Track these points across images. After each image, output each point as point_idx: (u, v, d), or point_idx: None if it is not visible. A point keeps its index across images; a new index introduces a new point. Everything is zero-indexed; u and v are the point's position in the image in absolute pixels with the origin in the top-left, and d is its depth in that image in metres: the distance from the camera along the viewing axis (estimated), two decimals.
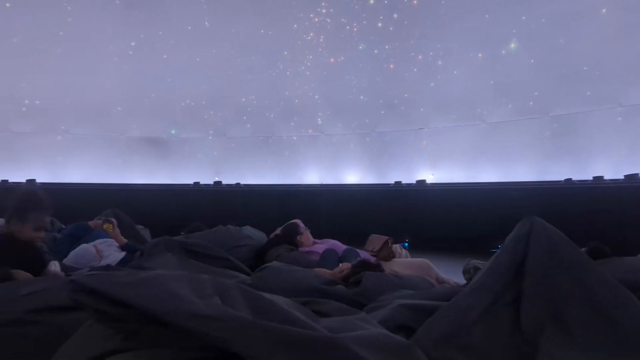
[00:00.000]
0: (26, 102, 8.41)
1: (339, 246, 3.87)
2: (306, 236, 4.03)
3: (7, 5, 8.11)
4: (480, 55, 7.63)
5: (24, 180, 7.74)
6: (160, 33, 8.64)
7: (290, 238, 4.00)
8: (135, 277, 1.32)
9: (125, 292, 1.27)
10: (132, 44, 8.68)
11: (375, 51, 8.31)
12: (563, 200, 5.97)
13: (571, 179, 6.36)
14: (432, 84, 7.95)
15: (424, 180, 7.43)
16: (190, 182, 8.33)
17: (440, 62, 7.91)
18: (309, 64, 8.65)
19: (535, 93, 7.29)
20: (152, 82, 8.69)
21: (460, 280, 3.50)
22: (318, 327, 1.38)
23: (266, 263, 3.19)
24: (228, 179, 8.45)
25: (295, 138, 8.79)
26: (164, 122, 8.90)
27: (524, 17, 7.25)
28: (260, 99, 8.81)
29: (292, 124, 8.80)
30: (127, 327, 1.33)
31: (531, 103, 7.32)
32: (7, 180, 7.77)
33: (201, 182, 8.33)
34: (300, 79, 8.66)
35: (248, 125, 8.92)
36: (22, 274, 2.19)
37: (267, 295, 1.53)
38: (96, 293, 1.30)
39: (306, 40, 8.59)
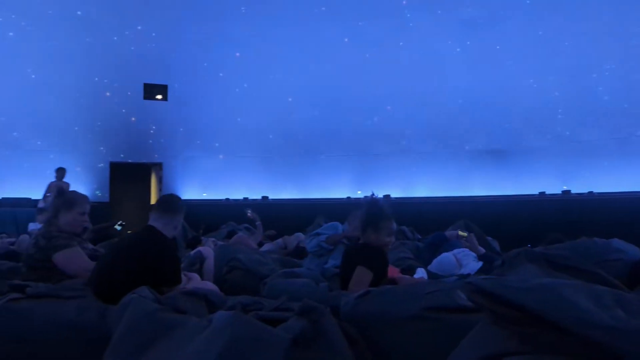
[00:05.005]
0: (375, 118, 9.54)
1: None
2: None
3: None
4: None
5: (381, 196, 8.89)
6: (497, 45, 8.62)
7: None
8: (531, 283, 1.36)
9: (522, 297, 1.33)
10: (458, 49, 8.85)
11: None
12: None
13: None
14: None
15: None
16: (535, 192, 8.04)
17: None
18: None
19: None
20: (492, 93, 8.76)
21: None
22: None
23: None
24: (578, 188, 7.80)
25: None
26: (504, 132, 8.86)
27: None
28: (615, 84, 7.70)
29: None
30: (522, 331, 1.38)
31: None
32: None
33: (547, 192, 7.96)
34: None
35: (600, 126, 8.00)
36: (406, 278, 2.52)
37: None
38: (492, 295, 1.40)
39: None
